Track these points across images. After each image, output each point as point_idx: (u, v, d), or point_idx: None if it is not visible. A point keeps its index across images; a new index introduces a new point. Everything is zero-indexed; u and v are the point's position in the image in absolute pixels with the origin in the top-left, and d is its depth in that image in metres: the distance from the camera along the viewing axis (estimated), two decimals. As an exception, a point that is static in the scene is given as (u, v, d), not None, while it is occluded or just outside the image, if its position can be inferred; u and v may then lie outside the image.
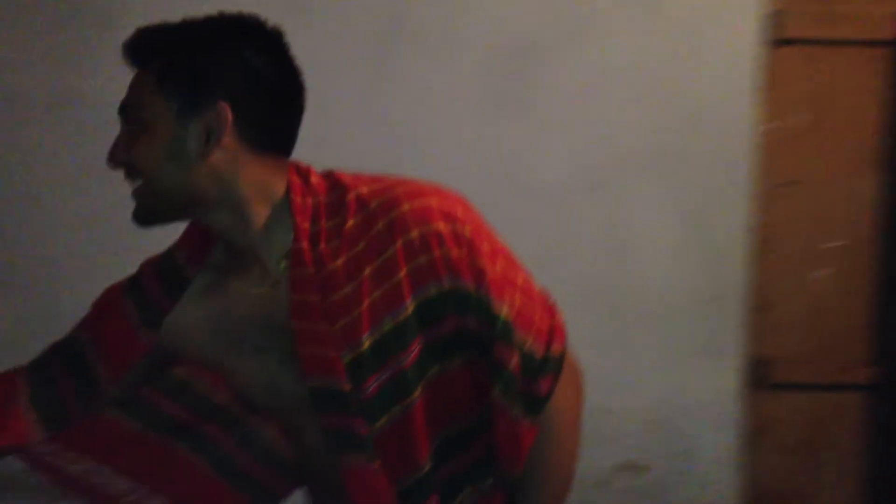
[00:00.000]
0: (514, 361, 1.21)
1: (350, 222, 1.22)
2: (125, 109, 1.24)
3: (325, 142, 2.55)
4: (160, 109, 1.20)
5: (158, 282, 1.34)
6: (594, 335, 2.57)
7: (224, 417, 1.45)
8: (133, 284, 1.36)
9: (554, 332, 1.27)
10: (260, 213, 1.23)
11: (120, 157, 1.23)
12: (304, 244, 1.22)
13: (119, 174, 1.26)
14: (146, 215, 1.25)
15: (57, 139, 2.50)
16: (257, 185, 1.23)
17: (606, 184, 2.58)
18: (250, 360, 1.29)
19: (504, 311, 1.21)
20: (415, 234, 1.19)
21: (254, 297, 1.27)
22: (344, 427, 1.23)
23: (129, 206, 1.26)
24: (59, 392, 1.34)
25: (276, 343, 1.26)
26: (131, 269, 1.39)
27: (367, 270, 1.20)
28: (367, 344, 1.20)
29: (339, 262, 1.22)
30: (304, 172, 1.27)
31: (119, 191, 1.32)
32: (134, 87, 1.23)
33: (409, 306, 1.20)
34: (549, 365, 1.25)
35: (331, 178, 1.27)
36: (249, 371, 1.30)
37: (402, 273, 1.19)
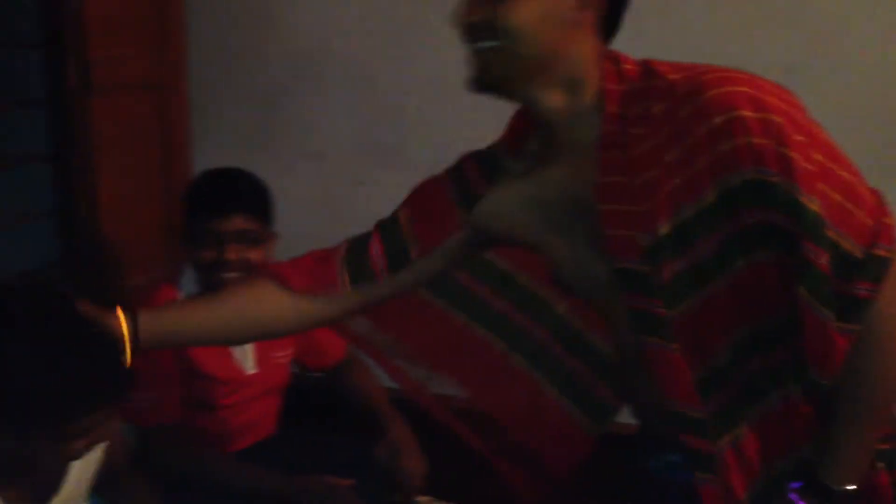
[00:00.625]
0: (825, 259, 1.15)
1: (657, 108, 1.23)
2: None
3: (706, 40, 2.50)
4: None
5: (477, 168, 1.45)
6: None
7: (550, 314, 1.53)
8: (454, 168, 1.48)
9: (880, 232, 1.18)
10: (585, 93, 1.29)
11: (481, 13, 1.26)
12: (614, 128, 1.26)
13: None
14: (487, 78, 1.29)
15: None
16: (590, 65, 1.29)
17: None
18: (560, 240, 1.35)
19: (814, 204, 1.15)
20: (719, 120, 1.17)
21: (563, 180, 1.32)
22: (644, 307, 1.26)
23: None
24: (371, 258, 1.47)
25: (583, 224, 1.31)
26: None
27: (671, 156, 1.21)
28: (666, 229, 1.21)
29: (645, 146, 1.24)
30: (618, 59, 1.30)
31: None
32: None
33: (711, 195, 1.18)
34: (869, 267, 1.17)
35: (643, 65, 1.29)
36: (560, 251, 1.36)
37: (705, 160, 1.18)
